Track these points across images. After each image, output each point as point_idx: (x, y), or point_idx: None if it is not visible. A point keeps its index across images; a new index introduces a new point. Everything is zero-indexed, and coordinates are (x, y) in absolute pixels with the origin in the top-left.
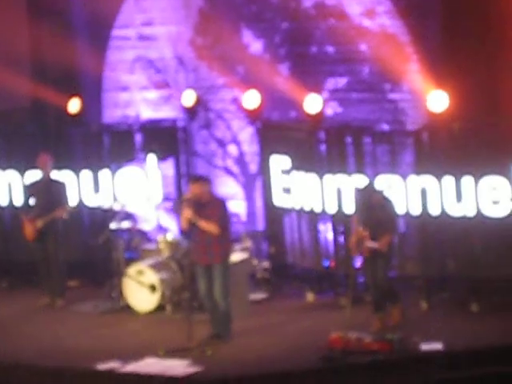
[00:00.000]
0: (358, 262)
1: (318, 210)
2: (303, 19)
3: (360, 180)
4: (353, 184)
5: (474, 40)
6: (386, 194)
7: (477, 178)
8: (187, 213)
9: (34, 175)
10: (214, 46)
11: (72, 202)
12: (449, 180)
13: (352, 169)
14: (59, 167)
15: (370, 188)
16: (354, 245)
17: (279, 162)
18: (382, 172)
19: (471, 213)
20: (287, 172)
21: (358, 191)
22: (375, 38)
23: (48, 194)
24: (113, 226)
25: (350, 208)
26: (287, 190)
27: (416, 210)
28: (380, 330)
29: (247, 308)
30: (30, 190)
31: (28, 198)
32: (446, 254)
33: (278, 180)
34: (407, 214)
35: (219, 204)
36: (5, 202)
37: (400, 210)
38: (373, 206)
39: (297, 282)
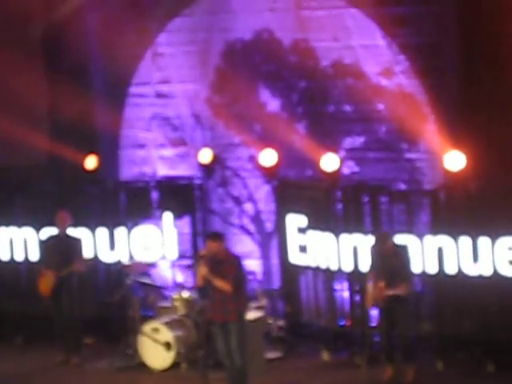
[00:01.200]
0: (374, 321)
1: (334, 268)
2: (321, 78)
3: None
4: (369, 243)
5: (492, 100)
6: (399, 241)
7: (493, 238)
8: (203, 270)
9: (49, 232)
10: (231, 104)
11: (87, 257)
12: (465, 240)
13: (368, 228)
14: (75, 224)
15: (382, 236)
16: (369, 297)
17: (295, 221)
18: (398, 231)
19: (488, 272)
20: (303, 230)
21: (372, 243)
22: (392, 97)
23: (64, 250)
24: (128, 283)
25: (366, 267)
26: (303, 249)
27: (432, 270)
28: (393, 379)
29: (263, 366)
30: (45, 245)
31: (43, 254)
32: (462, 313)
33: (294, 238)
34: (423, 273)
35: (235, 261)
36: (21, 258)
37: (416, 269)
38: (387, 254)
39: (312, 340)
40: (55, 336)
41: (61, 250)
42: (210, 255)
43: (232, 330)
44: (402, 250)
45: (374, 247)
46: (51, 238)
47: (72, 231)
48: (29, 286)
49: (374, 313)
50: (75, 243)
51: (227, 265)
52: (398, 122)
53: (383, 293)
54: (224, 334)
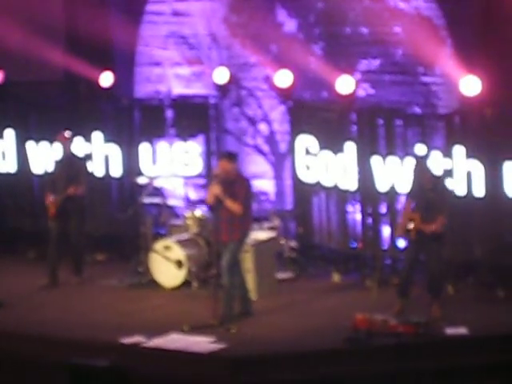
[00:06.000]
0: (386, 244)
1: (346, 190)
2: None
3: (391, 162)
4: (383, 165)
5: (508, 25)
6: (438, 173)
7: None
8: (215, 189)
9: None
10: (247, 23)
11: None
12: (478, 164)
13: (382, 151)
14: (89, 140)
15: (420, 167)
16: (402, 226)
17: (309, 142)
18: (412, 155)
19: (500, 197)
20: (317, 152)
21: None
22: (410, 20)
23: (68, 170)
24: (141, 200)
25: (380, 188)
26: (316, 171)
27: None
28: (401, 313)
29: (274, 286)
30: (55, 166)
31: (49, 178)
32: (472, 238)
33: (307, 160)
34: None
35: (244, 183)
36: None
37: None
38: (424, 186)
39: (323, 262)
40: (48, 256)
41: (65, 171)
42: (222, 175)
43: (228, 248)
44: (440, 183)
45: (414, 173)
46: (59, 158)
47: (77, 150)
48: (43, 201)
49: (402, 242)
50: (79, 163)
51: (237, 185)
52: (415, 46)
53: (416, 225)
54: None
